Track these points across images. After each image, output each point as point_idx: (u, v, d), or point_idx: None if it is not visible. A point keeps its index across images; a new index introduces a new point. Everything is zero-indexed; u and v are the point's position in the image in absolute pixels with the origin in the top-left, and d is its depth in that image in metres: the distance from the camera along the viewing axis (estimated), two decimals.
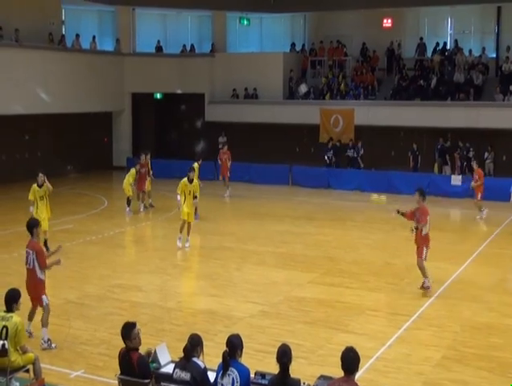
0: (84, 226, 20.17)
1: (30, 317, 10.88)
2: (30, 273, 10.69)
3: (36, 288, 10.63)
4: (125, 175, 22.31)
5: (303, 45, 35.28)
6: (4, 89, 26.96)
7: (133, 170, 22.02)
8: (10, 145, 28.00)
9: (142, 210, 22.37)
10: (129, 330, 7.69)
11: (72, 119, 30.46)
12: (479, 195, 21.64)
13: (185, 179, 17.39)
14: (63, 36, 31.36)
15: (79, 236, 18.74)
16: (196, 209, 19.27)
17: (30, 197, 16.32)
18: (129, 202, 22.05)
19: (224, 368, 7.14)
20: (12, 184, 26.36)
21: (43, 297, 10.59)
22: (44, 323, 10.50)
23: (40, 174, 16.30)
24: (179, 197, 17.35)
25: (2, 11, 27.01)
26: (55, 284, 14.06)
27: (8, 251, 16.54)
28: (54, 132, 29.81)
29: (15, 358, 8.60)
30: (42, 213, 16.12)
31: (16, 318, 8.65)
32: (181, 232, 17.26)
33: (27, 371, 8.83)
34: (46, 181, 16.31)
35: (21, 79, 27.63)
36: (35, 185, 16.35)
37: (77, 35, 31.81)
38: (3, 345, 8.42)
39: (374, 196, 16.71)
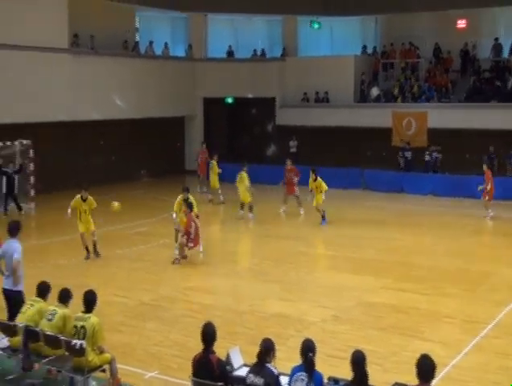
0: (157, 229, 20.48)
1: None
2: None
3: None
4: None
5: (375, 47, 34.93)
6: (81, 95, 27.78)
7: (244, 174, 21.85)
8: (86, 150, 28.72)
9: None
10: (212, 332, 7.69)
11: (145, 124, 31.03)
12: None
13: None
14: (136, 43, 32.07)
15: (153, 239, 19.05)
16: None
17: (73, 205, 16.68)
18: (251, 208, 21.78)
19: (308, 372, 7.14)
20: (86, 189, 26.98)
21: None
22: None
23: (84, 191, 16.69)
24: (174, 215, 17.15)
25: (78, 20, 27.75)
26: (131, 286, 14.39)
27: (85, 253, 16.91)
28: (127, 137, 30.43)
29: (92, 357, 8.80)
30: (84, 222, 16.59)
31: (94, 319, 8.84)
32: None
33: (104, 370, 9.02)
34: (89, 197, 16.71)
35: (96, 85, 28.43)
36: (79, 196, 16.74)
37: (151, 42, 32.47)
38: (81, 345, 8.62)
39: (114, 204, 16.39)
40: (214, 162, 25.46)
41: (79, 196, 16.70)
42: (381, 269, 15.74)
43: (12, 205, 22.70)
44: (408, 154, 28.81)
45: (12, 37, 24.81)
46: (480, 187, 21.52)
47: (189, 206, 16.40)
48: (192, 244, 16.16)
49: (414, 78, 32.43)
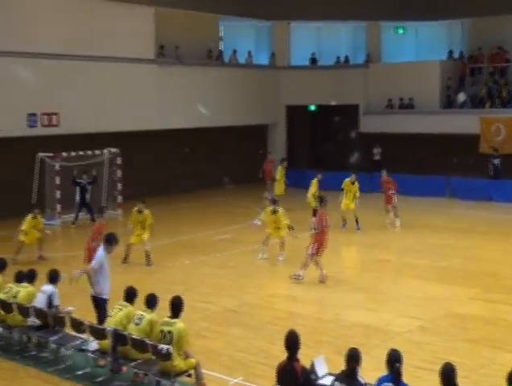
0: (240, 236, 20.64)
1: None
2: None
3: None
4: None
5: (461, 52, 34.14)
6: (166, 104, 28.42)
7: (314, 181, 21.81)
8: (172, 158, 29.31)
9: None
10: (296, 340, 7.64)
11: (229, 132, 31.37)
12: None
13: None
14: (220, 52, 32.50)
15: (237, 245, 19.21)
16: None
17: (131, 222, 17.05)
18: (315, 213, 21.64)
19: (395, 383, 7.02)
20: (171, 196, 27.57)
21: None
22: None
23: (140, 204, 16.96)
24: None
25: (163, 30, 28.41)
26: (215, 291, 14.57)
27: (172, 259, 17.24)
28: (211, 144, 30.84)
29: (178, 362, 8.94)
30: (136, 234, 16.86)
31: (180, 324, 8.99)
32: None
33: (189, 375, 9.15)
34: (145, 211, 16.92)
35: (181, 94, 28.98)
36: (135, 209, 17.02)
37: (234, 51, 32.84)
38: (168, 349, 8.78)
39: None
40: (280, 168, 25.30)
41: (135, 209, 16.97)
42: (468, 279, 15.33)
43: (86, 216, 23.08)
44: (497, 161, 27.97)
45: (102, 49, 25.69)
46: None
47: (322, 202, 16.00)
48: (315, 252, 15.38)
49: (503, 82, 31.51)
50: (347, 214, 21.24)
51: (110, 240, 11.04)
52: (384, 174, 22.12)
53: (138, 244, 16.93)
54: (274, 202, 17.24)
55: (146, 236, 16.80)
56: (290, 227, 17.29)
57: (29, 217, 17.71)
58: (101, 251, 10.99)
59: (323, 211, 15.67)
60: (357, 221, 21.13)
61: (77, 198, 22.94)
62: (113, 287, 11.08)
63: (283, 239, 17.19)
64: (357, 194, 21.30)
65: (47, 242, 18.30)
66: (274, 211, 16.99)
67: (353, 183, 21.32)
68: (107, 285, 10.91)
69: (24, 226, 17.66)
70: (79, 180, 22.87)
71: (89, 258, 13.22)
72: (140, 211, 16.88)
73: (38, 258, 17.60)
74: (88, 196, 23.06)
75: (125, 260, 16.88)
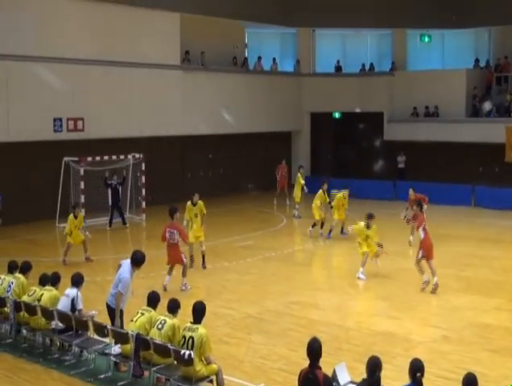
0: (264, 242, 20.63)
1: (170, 272, 14.99)
2: (175, 246, 14.95)
3: (178, 254, 14.94)
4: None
5: (488, 61, 33.89)
6: (191, 110, 28.54)
7: (320, 193, 21.46)
8: (195, 163, 29.44)
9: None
10: (318, 347, 7.56)
11: (253, 138, 31.42)
12: None
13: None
14: (246, 58, 32.60)
15: (259, 252, 19.20)
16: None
17: (187, 216, 17.12)
18: (321, 225, 21.52)
19: None
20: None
21: (182, 256, 15.00)
22: (184, 274, 14.89)
23: (196, 194, 17.14)
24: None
25: (189, 36, 28.56)
26: (238, 298, 14.56)
27: (194, 264, 17.14)
28: (236, 151, 30.92)
29: (200, 368, 8.94)
30: (197, 229, 16.97)
31: (202, 330, 8.98)
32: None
33: (211, 381, 9.14)
34: (199, 201, 17.11)
35: (206, 100, 29.11)
36: (189, 203, 17.12)
37: (259, 57, 32.92)
38: (190, 354, 8.78)
39: None
40: (299, 175, 25.06)
41: (189, 203, 17.11)
42: (493, 289, 15.16)
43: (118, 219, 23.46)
44: None
45: (128, 55, 25.89)
46: None
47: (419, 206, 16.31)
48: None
49: None
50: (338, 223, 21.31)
51: (140, 262, 10.77)
52: (411, 192, 20.68)
53: (197, 244, 17.09)
54: (369, 217, 16.50)
55: (202, 237, 17.03)
56: (379, 245, 16.76)
57: (70, 217, 18.06)
58: (127, 274, 10.63)
59: (422, 216, 15.86)
60: (342, 228, 21.18)
61: (109, 200, 23.23)
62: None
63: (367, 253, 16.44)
64: (346, 205, 21.28)
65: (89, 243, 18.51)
66: (368, 226, 16.42)
67: (345, 198, 21.14)
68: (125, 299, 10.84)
69: (67, 227, 18.02)
70: (109, 181, 23.13)
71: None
72: (194, 204, 17.06)
73: (85, 259, 18.02)
74: (119, 198, 23.36)
75: (191, 263, 16.89)
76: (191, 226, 17.01)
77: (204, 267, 17.14)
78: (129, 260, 10.77)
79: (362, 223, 16.38)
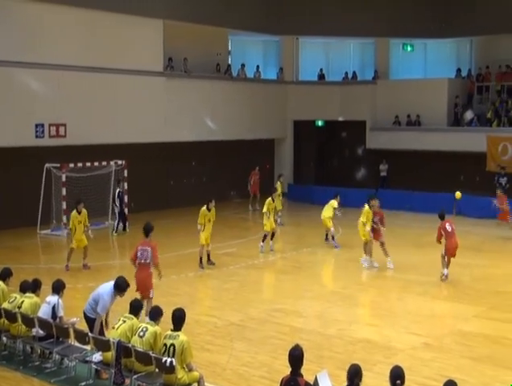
0: (246, 250, 20.64)
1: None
2: (146, 268, 12.77)
3: (149, 281, 12.75)
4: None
5: (470, 70, 34.19)
6: (174, 117, 28.49)
7: (333, 201, 21.23)
8: (178, 171, 29.39)
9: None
10: (300, 355, 7.58)
11: (236, 146, 31.43)
12: None
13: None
14: (229, 66, 32.63)
15: (242, 259, 19.21)
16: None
17: (200, 220, 17.57)
18: (327, 236, 21.67)
19: None
20: (177, 208, 27.61)
21: (151, 290, 12.66)
22: (148, 313, 10.65)
23: (213, 200, 17.69)
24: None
25: (172, 43, 28.51)
26: (220, 305, 14.55)
27: (177, 272, 17.22)
28: (218, 158, 30.92)
29: (182, 375, 8.92)
30: (208, 234, 17.67)
31: (183, 337, 8.98)
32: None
33: None
34: (213, 208, 17.78)
35: (189, 107, 29.09)
36: (204, 208, 17.56)
37: (243, 65, 32.98)
38: (171, 362, 8.76)
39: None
40: (279, 183, 25.45)
41: (204, 208, 17.62)
42: (474, 297, 15.27)
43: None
44: (503, 180, 27.88)
45: (110, 61, 25.78)
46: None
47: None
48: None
49: (510, 102, 31.52)
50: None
51: (122, 290, 10.63)
52: (377, 203, 18.86)
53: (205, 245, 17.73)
54: (371, 197, 17.94)
55: (209, 240, 17.79)
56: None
57: (73, 213, 18.00)
58: (108, 297, 10.57)
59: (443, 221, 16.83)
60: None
61: (118, 207, 23.56)
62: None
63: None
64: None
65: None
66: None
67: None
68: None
69: (71, 223, 17.99)
70: (119, 189, 23.64)
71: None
72: (209, 209, 17.62)
73: (82, 267, 17.86)
74: (123, 205, 23.81)
75: (201, 264, 17.79)
76: (202, 230, 17.55)
77: (212, 263, 17.98)
78: (112, 284, 10.69)
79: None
